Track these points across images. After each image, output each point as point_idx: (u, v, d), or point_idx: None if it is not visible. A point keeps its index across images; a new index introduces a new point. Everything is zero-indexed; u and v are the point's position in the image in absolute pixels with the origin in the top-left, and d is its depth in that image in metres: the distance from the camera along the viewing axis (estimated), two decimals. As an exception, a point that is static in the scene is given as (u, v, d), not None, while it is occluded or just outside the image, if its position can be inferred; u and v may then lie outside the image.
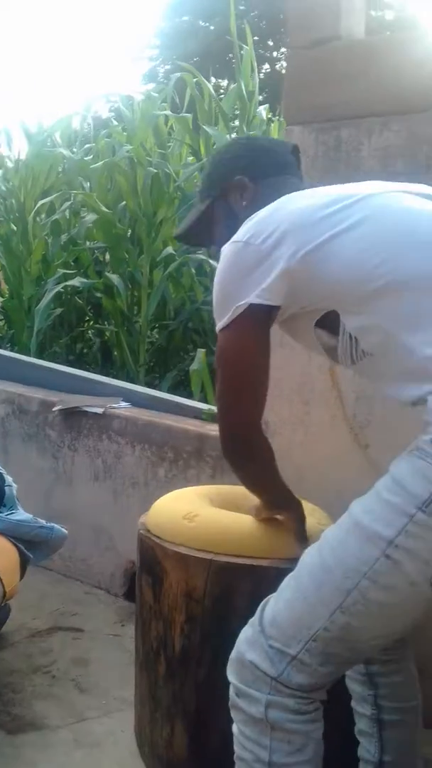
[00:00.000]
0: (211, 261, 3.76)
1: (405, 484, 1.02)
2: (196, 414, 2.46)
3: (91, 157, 4.65)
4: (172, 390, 3.44)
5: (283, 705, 1.07)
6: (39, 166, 4.44)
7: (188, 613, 1.50)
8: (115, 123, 5.12)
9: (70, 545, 2.31)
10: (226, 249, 1.21)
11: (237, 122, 4.39)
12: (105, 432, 2.54)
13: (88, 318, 4.87)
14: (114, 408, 2.59)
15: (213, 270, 3.91)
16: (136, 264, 4.11)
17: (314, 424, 1.94)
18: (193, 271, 4.00)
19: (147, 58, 17.60)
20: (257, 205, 1.26)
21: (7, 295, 4.62)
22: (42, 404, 2.76)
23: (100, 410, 2.57)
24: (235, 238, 1.21)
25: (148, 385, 3.55)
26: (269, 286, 1.15)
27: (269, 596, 1.16)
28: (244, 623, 1.31)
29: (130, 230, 4.25)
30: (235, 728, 1.14)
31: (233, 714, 1.14)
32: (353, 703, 1.35)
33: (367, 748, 1.31)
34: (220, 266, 1.22)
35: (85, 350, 4.82)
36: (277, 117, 4.18)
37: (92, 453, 2.57)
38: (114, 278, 3.92)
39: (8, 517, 2.01)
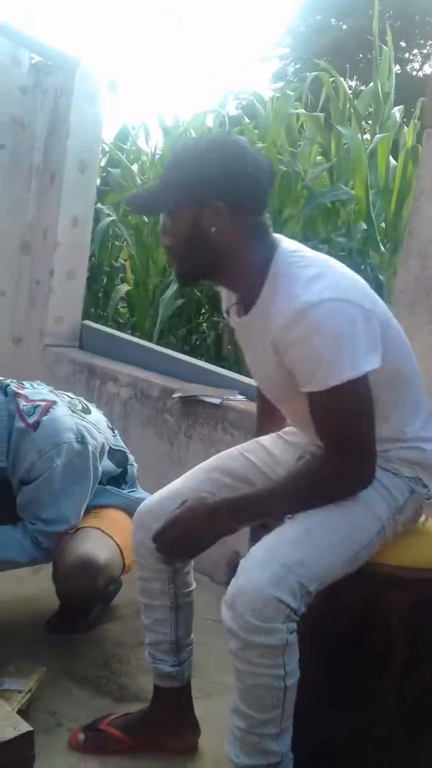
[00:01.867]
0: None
1: (391, 491, 1.41)
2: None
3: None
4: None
5: (292, 627, 1.27)
6: (173, 161, 4.54)
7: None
8: (246, 121, 5.16)
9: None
10: (344, 307, 1.26)
11: (370, 122, 4.34)
12: (220, 422, 2.60)
13: (204, 310, 4.97)
14: (230, 400, 2.64)
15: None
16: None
17: None
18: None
19: (277, 57, 17.57)
20: (227, 241, 1.35)
21: (132, 284, 4.78)
22: (163, 390, 2.86)
23: (217, 401, 2.63)
24: (348, 298, 1.27)
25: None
26: (380, 348, 1.30)
27: (268, 539, 1.33)
28: (354, 627, 1.45)
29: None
30: (245, 666, 1.27)
31: (245, 653, 1.26)
32: (147, 600, 1.62)
33: (163, 632, 1.61)
34: (339, 323, 1.25)
35: (198, 342, 4.92)
36: (411, 120, 4.09)
37: (206, 442, 2.63)
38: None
39: (130, 494, 2.10)
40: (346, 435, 1.31)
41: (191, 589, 1.66)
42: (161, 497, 1.60)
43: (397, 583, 1.45)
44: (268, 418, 1.74)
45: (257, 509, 1.40)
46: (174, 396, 2.77)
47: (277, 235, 1.41)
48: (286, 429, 1.68)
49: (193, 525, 1.38)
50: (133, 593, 2.26)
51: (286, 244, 1.38)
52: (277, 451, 1.64)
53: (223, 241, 1.34)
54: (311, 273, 1.29)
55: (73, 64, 3.47)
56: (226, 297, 1.54)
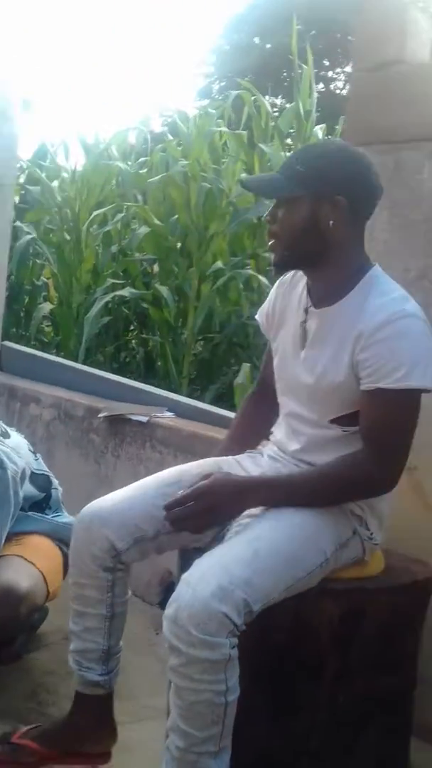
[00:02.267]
0: (259, 276, 3.79)
1: (337, 526, 1.44)
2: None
3: (146, 170, 4.74)
4: (214, 403, 3.46)
5: (234, 643, 1.27)
6: (95, 178, 4.54)
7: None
8: (170, 137, 5.20)
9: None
10: (424, 327, 1.37)
11: (291, 141, 4.43)
12: (148, 440, 2.57)
13: (132, 328, 4.95)
14: (158, 417, 2.62)
15: (261, 285, 3.97)
16: (185, 277, 4.16)
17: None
18: (241, 286, 4.03)
19: (202, 75, 17.83)
20: (339, 237, 1.42)
21: (56, 302, 4.71)
22: (88, 410, 2.80)
23: (144, 419, 2.60)
24: (427, 322, 1.38)
25: (190, 396, 3.58)
26: None
27: (214, 555, 1.34)
28: (285, 639, 1.45)
29: (180, 243, 4.31)
30: (186, 682, 1.26)
31: (186, 669, 1.25)
32: (81, 607, 1.56)
33: (93, 641, 1.56)
34: (424, 337, 1.36)
35: (128, 359, 4.89)
36: (335, 137, 4.20)
37: (134, 460, 2.59)
38: (163, 290, 3.98)
39: (54, 519, 2.04)
40: (392, 440, 1.39)
41: (127, 597, 1.61)
42: (112, 504, 1.54)
43: (327, 595, 1.46)
44: (244, 435, 1.71)
45: (282, 495, 1.42)
46: (100, 415, 2.72)
47: None
48: (242, 456, 1.66)
49: (220, 499, 1.38)
50: (60, 620, 2.20)
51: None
52: (249, 467, 1.61)
53: (336, 236, 1.41)
54: (401, 293, 1.42)
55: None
56: (276, 287, 1.61)
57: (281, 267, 1.51)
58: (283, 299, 1.59)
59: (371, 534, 1.49)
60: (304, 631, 1.46)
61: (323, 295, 1.47)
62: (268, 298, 1.66)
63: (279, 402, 1.61)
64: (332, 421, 1.46)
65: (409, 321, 1.35)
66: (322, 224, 1.40)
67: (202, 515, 1.39)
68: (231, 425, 1.79)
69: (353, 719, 1.51)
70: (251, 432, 1.71)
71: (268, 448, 1.66)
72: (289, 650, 1.47)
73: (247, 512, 1.46)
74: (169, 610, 1.27)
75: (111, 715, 1.63)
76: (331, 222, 1.39)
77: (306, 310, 1.50)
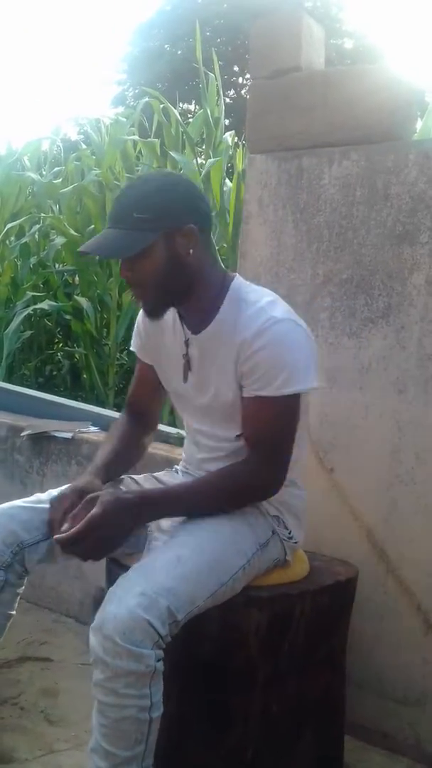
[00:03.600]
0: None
1: (255, 528, 1.47)
2: (165, 438, 2.46)
3: (60, 180, 4.68)
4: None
5: (159, 655, 1.26)
6: (8, 189, 4.45)
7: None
8: (84, 146, 5.15)
9: (39, 573, 2.29)
10: (297, 328, 1.41)
11: (203, 147, 4.44)
12: (74, 457, 2.53)
13: (57, 340, 4.87)
14: (83, 432, 2.58)
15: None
16: (105, 287, 4.13)
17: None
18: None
19: (115, 82, 17.75)
20: (201, 262, 1.43)
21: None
22: (10, 429, 2.74)
23: (68, 435, 2.56)
24: (300, 322, 1.42)
25: (118, 407, 3.55)
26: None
27: (138, 567, 1.34)
28: (214, 650, 1.46)
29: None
30: (111, 697, 1.24)
31: (112, 683, 1.23)
32: None
33: None
34: (299, 340, 1.40)
35: (54, 373, 4.81)
36: (243, 143, 4.23)
37: (61, 478, 2.55)
38: (83, 301, 3.94)
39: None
40: (278, 444, 1.42)
41: (12, 613, 1.56)
42: (17, 502, 1.53)
43: (253, 604, 1.47)
44: (117, 458, 1.64)
45: (179, 506, 1.43)
46: (23, 434, 2.66)
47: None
48: (160, 473, 1.68)
49: (115, 525, 1.35)
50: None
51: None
52: (147, 485, 1.61)
53: (197, 263, 1.41)
54: (269, 299, 1.43)
55: None
56: (143, 322, 1.60)
57: (157, 314, 1.46)
58: (154, 332, 1.58)
59: (290, 533, 1.53)
60: (233, 641, 1.46)
61: (198, 321, 1.47)
62: (136, 332, 1.65)
63: (183, 419, 1.63)
64: (238, 437, 1.48)
65: (280, 326, 1.38)
66: (182, 258, 1.39)
67: (103, 543, 1.36)
68: (101, 449, 1.65)
69: (288, 725, 1.53)
70: (124, 458, 1.63)
71: (180, 465, 1.67)
72: (219, 661, 1.47)
73: (162, 525, 1.48)
74: (95, 621, 1.26)
75: None
76: (189, 251, 1.39)
77: (186, 342, 1.50)
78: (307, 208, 1.92)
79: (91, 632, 1.26)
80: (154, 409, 1.72)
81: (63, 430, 2.60)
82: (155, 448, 2.36)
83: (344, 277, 1.85)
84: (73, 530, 1.34)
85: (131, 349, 1.70)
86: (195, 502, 1.43)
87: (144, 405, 1.71)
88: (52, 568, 2.48)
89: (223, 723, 1.48)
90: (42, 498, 1.55)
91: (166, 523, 1.49)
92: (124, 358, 4.37)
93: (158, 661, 1.26)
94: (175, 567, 1.32)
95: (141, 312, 1.58)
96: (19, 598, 1.57)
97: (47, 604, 2.53)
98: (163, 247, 1.37)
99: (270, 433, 1.42)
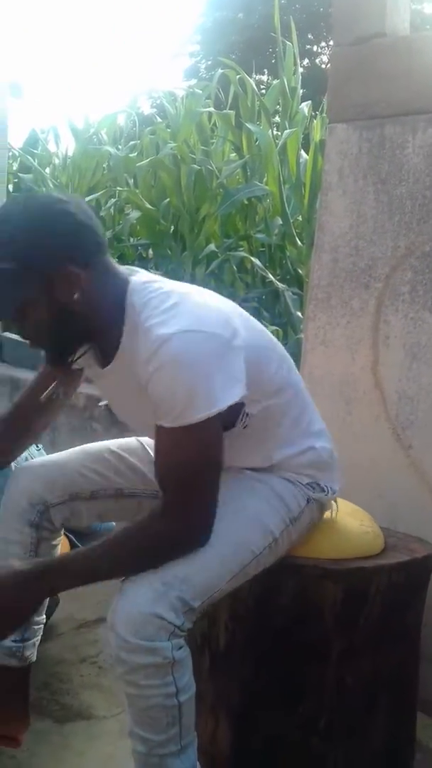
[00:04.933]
0: (252, 258, 3.78)
1: (286, 502, 1.39)
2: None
3: (136, 154, 4.71)
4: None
5: (179, 644, 1.22)
6: (85, 163, 4.51)
7: (232, 610, 1.52)
8: (159, 120, 5.16)
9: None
10: (198, 338, 1.17)
11: (279, 118, 4.39)
12: (149, 428, 2.58)
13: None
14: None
15: (254, 267, 3.95)
16: (179, 260, 4.15)
17: (356, 423, 1.94)
18: (235, 267, 4.02)
19: (188, 54, 17.62)
20: (91, 299, 1.22)
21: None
22: (88, 399, 2.82)
23: (144, 406, 2.61)
24: (204, 328, 1.18)
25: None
26: (242, 378, 1.21)
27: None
28: (289, 623, 1.45)
29: (173, 227, 4.29)
30: (134, 689, 1.22)
31: (131, 676, 1.21)
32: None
33: None
34: (200, 353, 1.16)
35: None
36: (319, 113, 4.15)
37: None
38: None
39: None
40: (187, 484, 1.21)
41: None
42: (45, 460, 1.54)
43: (329, 576, 1.47)
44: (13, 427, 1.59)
45: (82, 575, 1.27)
46: (100, 404, 2.73)
47: (125, 269, 1.31)
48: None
49: (13, 606, 1.24)
50: (70, 607, 2.24)
51: (138, 277, 1.28)
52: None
53: (89, 301, 1.22)
54: (166, 305, 1.21)
55: (-28, 70, 3.38)
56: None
57: (62, 362, 1.33)
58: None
59: (326, 492, 1.46)
60: (308, 614, 1.47)
61: (103, 355, 1.32)
62: None
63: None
64: None
65: (171, 344, 1.16)
66: (70, 304, 1.20)
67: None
68: None
69: (360, 698, 1.53)
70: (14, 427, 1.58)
71: None
72: (294, 633, 1.48)
73: None
74: (108, 619, 1.23)
75: (23, 697, 1.59)
76: (75, 295, 1.20)
77: (99, 375, 1.37)
78: (389, 178, 1.88)
79: (108, 630, 1.23)
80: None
81: (139, 402, 2.65)
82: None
83: (427, 249, 1.81)
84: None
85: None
86: (101, 570, 1.27)
87: (26, 407, 1.60)
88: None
89: (298, 693, 1.50)
90: (69, 456, 1.55)
91: None
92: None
93: (178, 649, 1.22)
94: (191, 556, 1.25)
95: None
96: (58, 549, 1.59)
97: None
98: (42, 300, 1.20)
99: (175, 470, 1.21)
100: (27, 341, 1.29)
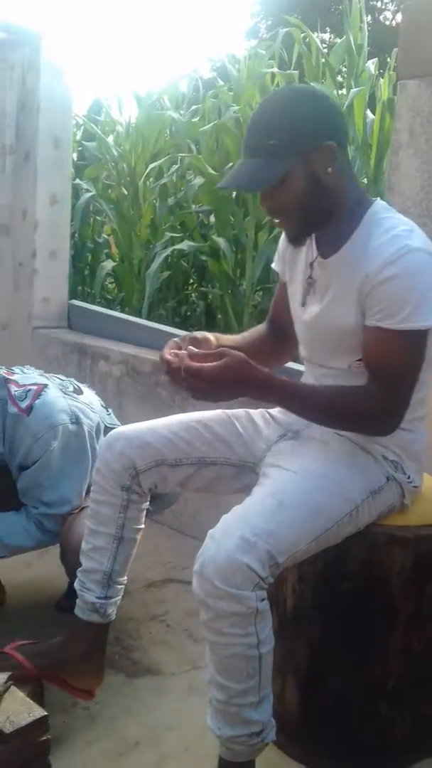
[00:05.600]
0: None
1: (367, 474, 1.44)
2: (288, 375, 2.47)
3: (198, 118, 4.66)
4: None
5: (262, 596, 1.27)
6: (148, 130, 4.48)
7: (300, 573, 1.54)
8: (221, 83, 5.08)
9: (181, 502, 2.40)
10: (427, 257, 1.31)
11: (343, 78, 4.26)
12: (214, 394, 2.60)
13: (192, 281, 4.94)
14: (222, 370, 2.64)
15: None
16: (242, 227, 4.11)
17: None
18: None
19: (249, 15, 17.23)
20: (340, 180, 1.37)
21: (117, 259, 4.74)
22: (154, 365, 2.85)
23: (209, 372, 2.62)
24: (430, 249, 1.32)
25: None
26: None
27: (238, 509, 1.34)
28: (356, 587, 1.47)
29: (235, 192, 4.25)
30: (217, 636, 1.27)
31: (216, 623, 1.26)
32: (93, 525, 1.60)
33: (99, 560, 1.60)
34: (425, 273, 1.30)
35: (189, 313, 4.90)
36: (388, 71, 4.02)
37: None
38: (220, 241, 3.94)
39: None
40: (397, 378, 1.34)
41: (140, 527, 1.64)
42: (137, 427, 1.60)
43: (397, 542, 1.47)
44: (254, 347, 1.66)
45: (288, 401, 1.39)
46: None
47: None
48: (274, 408, 1.67)
49: (234, 381, 1.30)
50: (139, 567, 2.31)
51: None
52: (261, 424, 1.64)
53: (336, 181, 1.37)
54: (406, 227, 1.35)
55: (38, 38, 3.39)
56: (284, 246, 1.58)
57: (300, 241, 1.46)
58: (292, 253, 1.57)
59: (409, 478, 1.49)
60: (376, 580, 1.48)
61: (330, 243, 1.43)
62: (278, 250, 1.64)
63: (300, 350, 1.62)
64: (349, 367, 1.44)
65: (414, 256, 1.30)
66: (322, 178, 1.35)
67: (210, 388, 1.31)
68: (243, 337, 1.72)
69: (428, 664, 1.54)
70: (259, 350, 1.63)
71: None
72: (361, 598, 1.49)
73: (270, 461, 1.49)
74: (196, 565, 1.28)
75: (100, 653, 1.65)
76: (328, 169, 1.35)
77: (311, 264, 1.48)
78: (464, 136, 1.82)
79: (194, 575, 1.28)
80: (291, 330, 1.64)
81: (204, 368, 2.66)
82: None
83: None
84: (198, 364, 1.31)
85: (272, 266, 1.68)
86: (308, 406, 1.39)
87: (282, 325, 1.69)
88: (192, 498, 2.59)
89: (365, 657, 1.51)
90: (159, 424, 1.60)
91: (273, 458, 1.50)
92: (258, 298, 4.38)
93: (261, 600, 1.26)
94: (277, 511, 1.31)
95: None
96: (144, 513, 1.64)
97: (188, 531, 2.66)
98: (302, 171, 1.33)
99: (389, 366, 1.34)
100: (275, 217, 1.41)
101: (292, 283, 1.58)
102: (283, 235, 1.59)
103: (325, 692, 1.55)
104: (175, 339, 1.50)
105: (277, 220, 1.43)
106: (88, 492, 1.98)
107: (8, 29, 3.47)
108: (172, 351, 1.43)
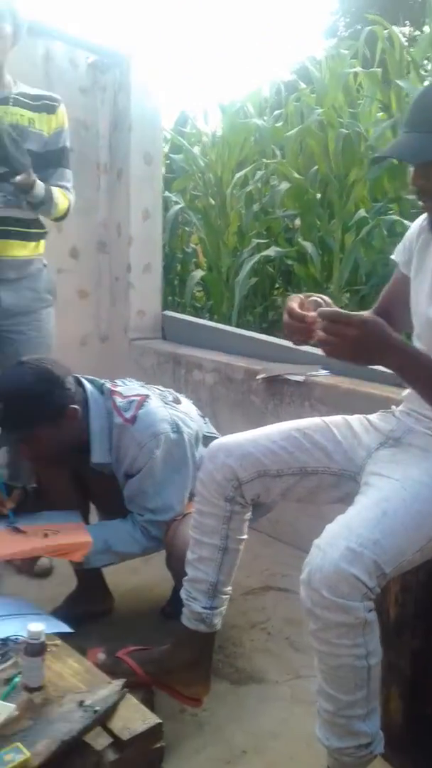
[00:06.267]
0: (404, 220, 3.65)
1: None
2: (397, 381, 2.43)
3: (282, 123, 4.66)
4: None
5: (370, 606, 1.26)
6: (234, 139, 4.52)
7: (403, 583, 1.52)
8: (302, 84, 5.05)
9: (278, 509, 2.41)
10: None
11: (425, 71, 4.16)
12: (307, 399, 2.60)
13: (278, 285, 4.94)
14: (314, 376, 2.63)
15: (406, 229, 3.78)
16: (328, 229, 4.08)
17: None
18: (385, 232, 3.90)
19: (327, 13, 17.08)
20: None
21: (206, 267, 4.80)
22: (246, 373, 2.88)
23: (301, 378, 2.63)
24: None
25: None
26: None
27: (342, 518, 1.32)
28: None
29: (320, 195, 4.22)
30: (326, 647, 1.27)
31: (324, 633, 1.25)
32: (198, 536, 1.63)
33: (204, 571, 1.62)
34: None
35: (276, 318, 4.90)
36: None
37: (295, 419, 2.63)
38: (307, 245, 3.94)
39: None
40: None
41: (243, 537, 1.66)
42: (237, 438, 1.61)
43: None
44: None
45: (415, 371, 1.35)
46: (258, 377, 2.78)
47: None
48: (373, 415, 1.67)
49: (373, 341, 1.28)
50: (238, 574, 2.31)
51: None
52: (360, 431, 1.62)
53: None
54: None
55: (127, 59, 3.51)
56: (416, 231, 1.57)
57: None
58: (422, 247, 1.53)
59: None
60: None
61: None
62: (404, 240, 1.61)
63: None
64: None
65: None
66: None
67: (350, 346, 1.27)
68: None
69: None
70: None
71: (402, 406, 1.64)
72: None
73: (371, 469, 1.47)
74: (303, 574, 1.27)
75: (207, 661, 1.66)
76: None
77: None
78: None
79: (300, 584, 1.28)
80: (399, 325, 1.59)
81: (296, 373, 2.67)
82: (387, 391, 2.35)
83: None
84: (343, 314, 1.28)
85: (392, 257, 1.66)
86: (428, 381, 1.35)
87: (390, 318, 1.60)
88: (291, 506, 2.59)
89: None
90: (259, 434, 1.60)
91: (374, 466, 1.48)
92: (345, 300, 4.33)
93: (369, 611, 1.25)
94: (380, 522, 1.29)
95: (418, 221, 1.56)
96: (246, 523, 1.66)
97: (286, 539, 2.66)
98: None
99: None
100: (424, 198, 1.38)
101: (418, 274, 1.53)
102: (415, 224, 1.58)
103: (429, 702, 1.53)
104: (299, 295, 1.47)
105: (423, 203, 1.39)
106: (189, 499, 2.03)
107: (98, 52, 3.60)
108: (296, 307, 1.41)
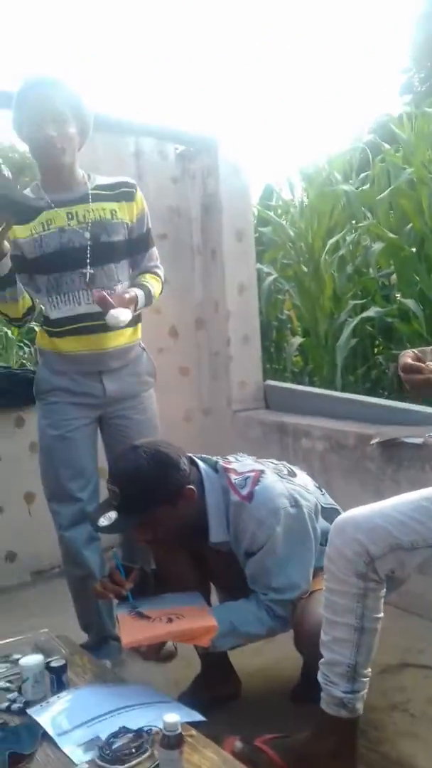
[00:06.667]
0: None
1: None
2: None
3: (368, 185, 4.69)
4: None
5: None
6: (322, 206, 4.58)
7: None
8: (386, 145, 5.09)
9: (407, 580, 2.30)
10: None
11: None
12: (428, 462, 2.50)
13: (378, 343, 4.87)
14: (432, 437, 2.54)
15: None
16: (428, 284, 4.02)
17: None
18: None
19: (401, 71, 17.30)
20: None
21: (301, 332, 4.81)
22: (358, 438, 2.81)
23: (419, 440, 2.54)
24: None
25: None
26: None
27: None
28: None
29: (415, 249, 4.18)
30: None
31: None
32: (330, 615, 1.57)
33: (341, 653, 1.55)
34: None
35: (378, 376, 4.81)
36: None
37: (417, 485, 2.49)
38: (409, 303, 3.88)
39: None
40: None
41: (380, 615, 1.57)
42: (364, 510, 1.56)
43: None
44: None
45: None
46: (372, 442, 2.71)
47: None
48: None
49: None
50: (377, 654, 2.22)
51: None
52: None
53: None
54: None
55: (214, 144, 3.65)
56: None
57: None
58: None
59: None
60: None
61: None
62: None
63: None
64: None
65: None
66: None
67: None
68: None
69: None
70: None
71: None
72: None
73: None
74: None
75: (351, 749, 1.57)
76: None
77: None
78: None
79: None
80: None
81: (413, 436, 2.58)
82: None
83: None
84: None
85: None
86: None
87: None
88: (418, 576, 2.46)
89: None
90: (388, 505, 1.55)
91: None
92: (453, 353, 4.20)
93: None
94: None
95: None
96: (382, 601, 1.59)
97: (417, 611, 2.53)
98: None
99: None
100: None
101: None
102: None
103: None
104: (411, 350, 1.50)
105: None
106: (314, 575, 1.96)
107: (186, 141, 3.77)
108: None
